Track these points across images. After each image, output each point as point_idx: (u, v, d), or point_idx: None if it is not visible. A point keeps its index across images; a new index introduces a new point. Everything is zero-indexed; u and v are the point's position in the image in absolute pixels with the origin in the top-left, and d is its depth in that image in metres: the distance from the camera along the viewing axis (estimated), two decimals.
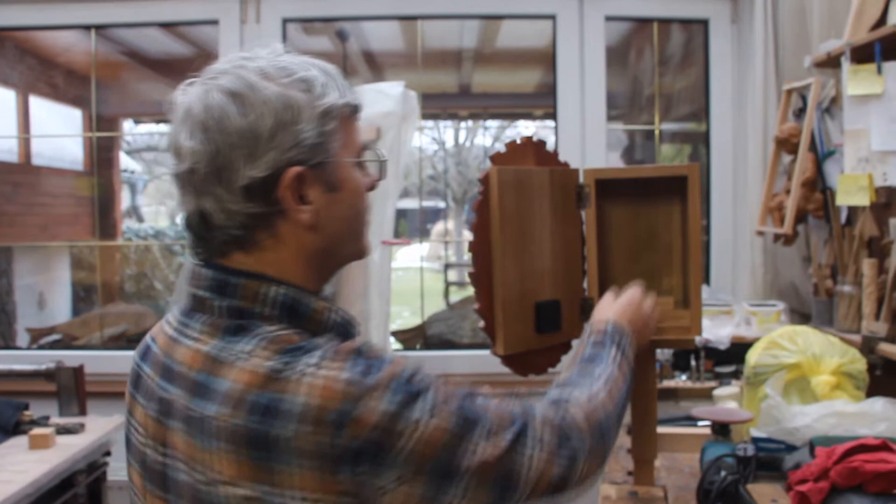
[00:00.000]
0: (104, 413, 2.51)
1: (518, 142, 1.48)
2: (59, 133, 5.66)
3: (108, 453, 2.35)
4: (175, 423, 0.86)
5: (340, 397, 0.78)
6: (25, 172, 5.19)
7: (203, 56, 3.23)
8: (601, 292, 1.53)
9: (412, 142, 2.26)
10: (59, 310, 5.26)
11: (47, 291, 5.33)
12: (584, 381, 1.08)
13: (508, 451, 0.86)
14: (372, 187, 0.98)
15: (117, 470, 2.67)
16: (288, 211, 0.88)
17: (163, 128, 7.10)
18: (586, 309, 1.53)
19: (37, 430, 2.10)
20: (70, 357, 2.55)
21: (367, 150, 0.98)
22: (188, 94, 0.90)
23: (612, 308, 1.30)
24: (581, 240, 1.56)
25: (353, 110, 0.94)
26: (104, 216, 5.72)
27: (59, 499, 2.05)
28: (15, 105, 4.77)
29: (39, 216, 5.22)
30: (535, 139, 1.50)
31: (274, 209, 0.88)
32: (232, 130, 0.85)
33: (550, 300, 1.49)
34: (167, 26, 3.53)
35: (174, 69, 4.75)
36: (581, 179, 1.55)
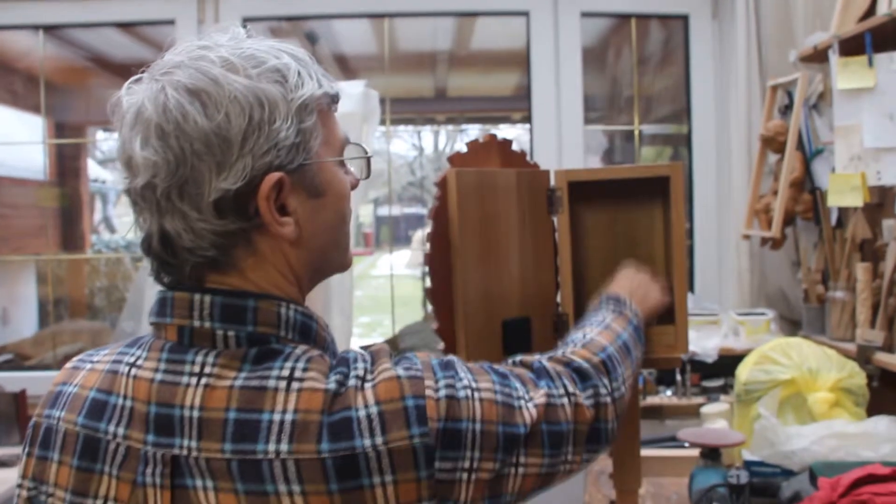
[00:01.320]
0: None
1: (481, 141, 1.33)
2: (19, 141, 5.47)
3: None
4: (199, 481, 0.70)
5: (404, 392, 0.73)
6: None
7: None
8: (577, 307, 1.39)
9: (373, 143, 2.11)
10: (25, 326, 5.09)
11: (11, 307, 5.16)
12: (576, 335, 1.03)
13: (547, 405, 0.82)
14: (354, 186, 0.88)
15: None
16: (267, 225, 0.76)
17: None
18: (560, 326, 1.39)
19: None
20: (15, 379, 2.40)
21: (349, 146, 0.86)
22: (136, 94, 0.75)
23: (610, 287, 1.24)
24: (553, 249, 1.41)
25: (331, 100, 0.83)
26: (71, 227, 5.54)
27: None
28: None
29: (0, 229, 5.05)
30: (499, 138, 1.36)
31: (251, 224, 0.75)
32: (195, 135, 0.72)
33: (519, 317, 1.34)
34: (123, 27, 3.37)
35: (137, 73, 4.61)
36: (552, 182, 1.41)
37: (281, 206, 0.76)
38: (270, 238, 0.77)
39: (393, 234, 12.51)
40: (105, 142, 7.53)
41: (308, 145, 0.77)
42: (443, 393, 0.74)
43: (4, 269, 5.14)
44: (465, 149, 1.31)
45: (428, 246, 1.24)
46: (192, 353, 0.75)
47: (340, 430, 0.70)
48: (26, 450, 0.82)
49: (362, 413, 0.71)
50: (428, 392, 0.73)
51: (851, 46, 2.00)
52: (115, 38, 3.73)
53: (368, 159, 0.90)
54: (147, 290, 2.40)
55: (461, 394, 0.75)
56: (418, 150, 11.85)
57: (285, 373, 0.72)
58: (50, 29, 3.08)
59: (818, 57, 2.17)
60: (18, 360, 3.32)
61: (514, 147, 1.40)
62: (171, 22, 2.83)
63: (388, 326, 4.03)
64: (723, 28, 2.75)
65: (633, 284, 1.24)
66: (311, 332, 0.79)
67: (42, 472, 0.79)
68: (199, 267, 0.76)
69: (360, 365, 0.75)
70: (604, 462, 1.71)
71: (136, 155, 0.74)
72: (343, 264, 0.89)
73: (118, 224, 9.58)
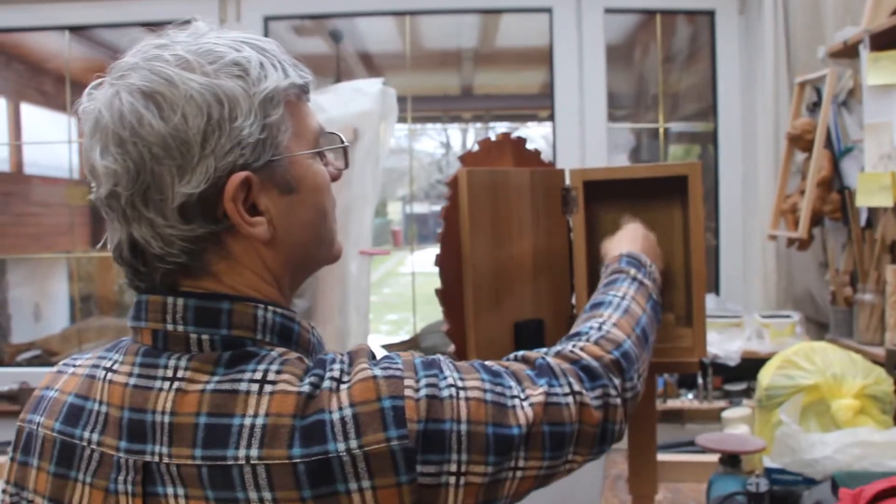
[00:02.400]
0: None
1: (494, 140, 1.31)
2: (50, 141, 5.55)
3: None
4: (171, 488, 0.69)
5: (381, 393, 0.69)
6: (17, 182, 5.11)
7: None
8: None
9: (390, 142, 2.10)
10: (56, 322, 5.17)
11: (43, 303, 5.24)
12: (592, 322, 0.97)
13: (547, 404, 0.78)
14: (335, 178, 0.84)
15: None
16: (237, 226, 0.73)
17: None
18: None
19: None
20: (42, 375, 2.41)
21: (324, 135, 0.82)
22: (95, 100, 0.73)
23: (622, 242, 1.18)
24: (568, 250, 1.38)
25: (300, 91, 0.79)
26: (100, 225, 5.61)
27: None
28: (5, 112, 4.68)
29: (32, 226, 5.13)
30: (512, 136, 1.33)
31: (220, 227, 0.73)
32: (152, 140, 0.69)
33: (533, 319, 1.31)
34: (147, 27, 3.40)
35: None
36: (567, 181, 1.38)
37: (252, 206, 0.74)
38: (243, 239, 0.75)
39: (419, 231, 12.52)
40: None
41: (276, 140, 0.74)
42: (423, 392, 0.71)
43: (36, 266, 5.21)
44: (477, 147, 1.29)
45: (439, 246, 1.22)
46: (166, 358, 0.73)
47: (313, 434, 0.67)
48: (10, 454, 0.82)
49: (336, 416, 0.68)
50: (407, 392, 0.70)
51: (883, 41, 1.94)
52: (139, 37, 3.77)
53: (346, 149, 0.87)
54: None
55: (444, 393, 0.72)
56: (446, 147, 11.83)
57: (258, 376, 0.70)
58: (76, 30, 3.10)
59: (848, 52, 2.11)
60: (46, 356, 3.36)
61: (529, 146, 1.37)
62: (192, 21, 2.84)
63: (412, 326, 4.02)
64: (750, 23, 2.70)
65: (648, 243, 1.21)
66: (293, 335, 0.77)
67: (23, 478, 0.79)
68: (171, 274, 0.74)
69: (337, 367, 0.72)
70: (620, 467, 1.68)
71: (97, 164, 0.72)
72: (329, 258, 0.85)
73: None
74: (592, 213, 1.38)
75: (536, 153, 1.37)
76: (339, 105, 2.12)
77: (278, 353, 0.73)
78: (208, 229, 0.72)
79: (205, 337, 0.72)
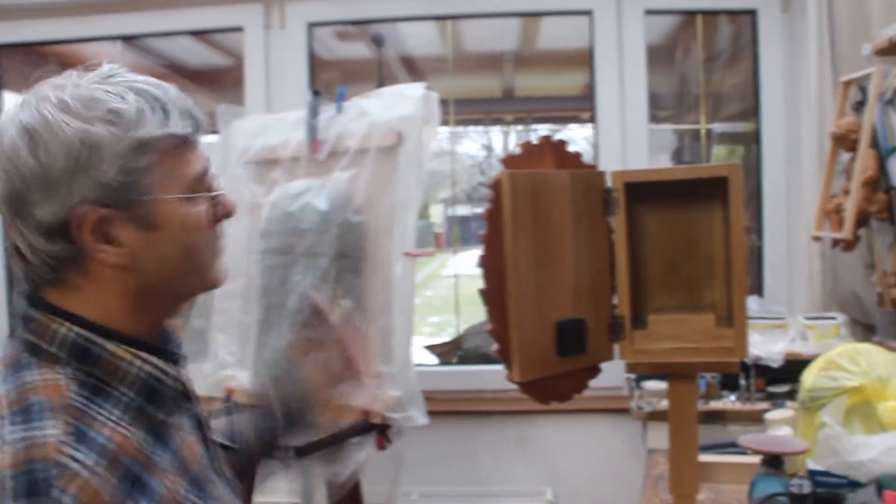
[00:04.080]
0: None
1: (535, 142, 1.33)
2: None
3: None
4: None
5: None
6: None
7: (238, 65, 3.17)
8: (633, 309, 1.38)
9: (433, 146, 2.12)
10: None
11: None
12: None
13: None
14: (219, 219, 0.91)
15: None
16: (90, 253, 0.82)
17: (205, 138, 7.18)
18: (616, 328, 1.38)
19: None
20: None
21: (203, 181, 0.88)
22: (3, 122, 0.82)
23: None
24: (609, 250, 1.40)
25: (180, 140, 0.85)
26: None
27: None
28: None
29: None
30: (553, 139, 1.35)
31: (79, 250, 0.82)
32: (24, 170, 0.79)
33: (574, 319, 1.34)
34: (197, 35, 3.48)
35: (213, 80, 4.74)
36: (608, 183, 1.39)
37: (110, 237, 0.81)
38: (100, 263, 0.82)
39: (462, 233, 12.53)
40: None
41: (139, 183, 0.81)
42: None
43: None
44: (519, 150, 1.31)
45: (482, 247, 1.25)
46: (5, 345, 0.85)
47: None
48: None
49: None
50: None
51: None
52: (187, 44, 3.85)
53: (224, 195, 0.92)
54: (216, 291, 2.46)
55: None
56: (487, 150, 11.84)
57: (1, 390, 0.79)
58: (128, 39, 3.19)
59: (894, 49, 2.08)
60: None
61: (570, 148, 1.39)
62: (239, 29, 2.91)
63: (455, 327, 4.05)
64: (793, 22, 2.68)
65: None
66: (95, 357, 0.82)
67: None
68: (41, 281, 0.84)
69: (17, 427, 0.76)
70: (662, 467, 1.69)
71: None
72: (206, 284, 0.92)
73: None
74: (633, 214, 1.40)
75: (577, 155, 1.39)
76: (382, 110, 2.16)
77: (46, 374, 0.80)
78: (69, 250, 0.81)
79: (18, 334, 0.84)
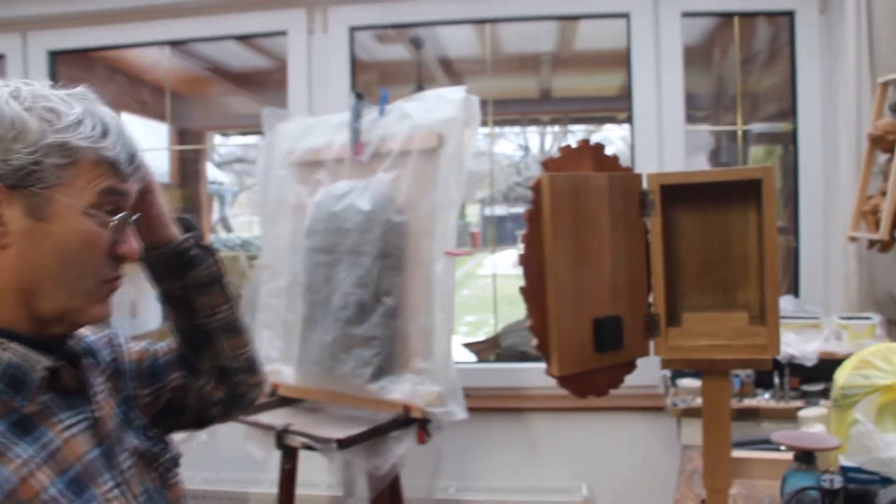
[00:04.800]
0: None
1: (574, 146, 1.38)
2: (146, 147, 5.84)
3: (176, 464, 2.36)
4: None
5: None
6: None
7: (281, 68, 3.26)
8: (668, 307, 1.42)
9: (474, 148, 2.18)
10: (151, 319, 5.41)
11: (139, 301, 5.48)
12: None
13: None
14: (117, 253, 0.93)
15: (188, 479, 2.71)
16: None
17: (249, 139, 7.35)
18: (651, 325, 1.42)
19: None
20: None
21: (104, 208, 0.91)
22: None
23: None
24: (646, 250, 1.44)
25: (104, 160, 0.90)
26: None
27: None
28: None
29: None
30: (592, 142, 1.40)
31: None
32: None
33: (611, 316, 1.38)
34: (242, 39, 3.57)
35: (255, 82, 4.85)
36: (644, 185, 1.44)
37: None
38: None
39: (498, 233, 12.55)
40: (222, 146, 7.93)
41: (43, 175, 0.86)
42: None
43: (132, 265, 5.48)
44: (558, 154, 1.37)
45: (522, 247, 1.31)
46: None
47: None
48: None
49: None
50: None
51: None
52: (232, 48, 3.95)
53: (131, 236, 0.95)
54: (262, 285, 2.54)
55: None
56: (524, 150, 11.83)
57: None
58: (176, 44, 3.29)
59: None
60: None
61: (607, 151, 1.44)
62: (283, 33, 2.99)
63: (493, 326, 4.10)
64: (831, 23, 2.68)
65: None
66: None
67: None
68: None
69: None
70: (696, 462, 1.73)
71: None
72: (75, 310, 0.92)
73: (234, 224, 10.02)
74: (669, 215, 1.44)
75: (614, 158, 1.44)
76: (424, 112, 2.22)
77: None
78: None
79: None
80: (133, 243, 0.94)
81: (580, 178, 1.35)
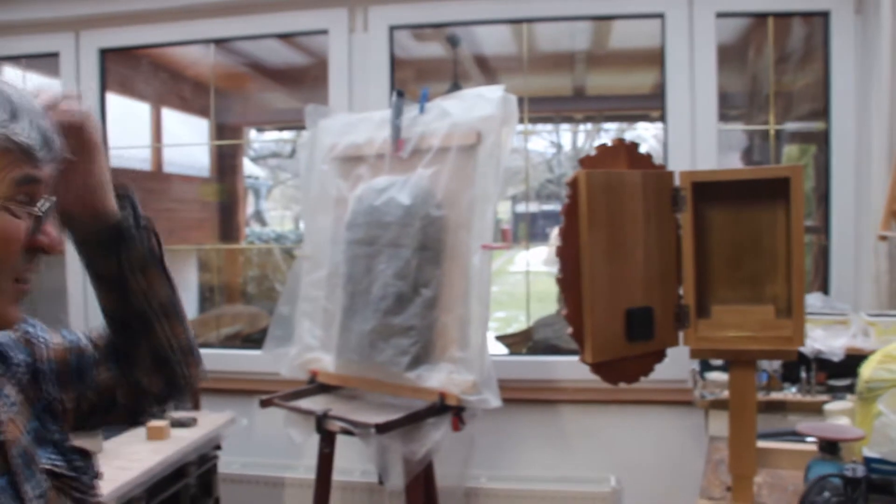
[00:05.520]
0: (216, 409, 2.63)
1: (609, 144, 1.45)
2: (187, 142, 5.98)
3: (218, 447, 2.46)
4: None
5: None
6: (157, 180, 5.52)
7: (318, 65, 3.34)
8: (698, 299, 1.49)
9: (511, 145, 2.25)
10: (188, 309, 5.55)
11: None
12: None
13: None
14: (35, 246, 0.82)
15: (228, 463, 2.82)
16: None
17: (285, 135, 7.47)
18: (681, 316, 1.49)
19: (154, 423, 2.22)
20: None
21: (24, 196, 0.80)
22: None
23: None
24: (677, 245, 1.51)
25: (15, 146, 0.78)
26: (228, 220, 6.02)
27: (171, 488, 2.16)
28: (149, 117, 5.09)
29: (168, 221, 5.52)
30: (627, 141, 1.47)
31: None
32: None
33: (643, 307, 1.45)
34: (282, 37, 3.66)
35: (293, 78, 4.95)
36: (677, 182, 1.50)
37: None
38: None
39: (530, 230, 12.60)
40: (257, 141, 8.07)
41: None
42: None
43: (170, 257, 5.61)
44: (594, 152, 1.43)
45: (560, 240, 1.38)
46: None
47: None
48: None
49: None
50: None
51: None
52: (271, 45, 4.05)
53: (52, 230, 0.84)
54: (303, 276, 2.63)
55: None
56: (556, 147, 11.85)
57: None
58: (219, 42, 3.39)
59: None
60: None
61: (641, 150, 1.50)
62: (324, 31, 3.08)
63: (522, 322, 4.16)
64: (866, 23, 2.70)
65: None
66: None
67: None
68: None
69: None
70: (722, 452, 1.78)
71: None
72: None
73: (269, 217, 10.18)
74: (700, 211, 1.50)
75: (648, 156, 1.50)
76: (462, 110, 2.29)
77: None
78: None
79: None
80: (54, 234, 0.83)
81: (615, 175, 1.42)
